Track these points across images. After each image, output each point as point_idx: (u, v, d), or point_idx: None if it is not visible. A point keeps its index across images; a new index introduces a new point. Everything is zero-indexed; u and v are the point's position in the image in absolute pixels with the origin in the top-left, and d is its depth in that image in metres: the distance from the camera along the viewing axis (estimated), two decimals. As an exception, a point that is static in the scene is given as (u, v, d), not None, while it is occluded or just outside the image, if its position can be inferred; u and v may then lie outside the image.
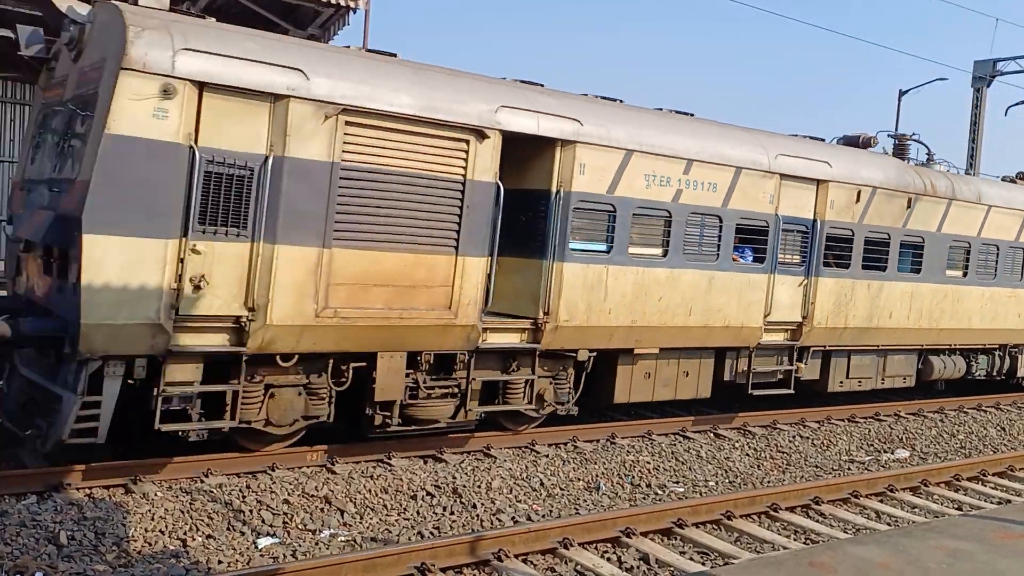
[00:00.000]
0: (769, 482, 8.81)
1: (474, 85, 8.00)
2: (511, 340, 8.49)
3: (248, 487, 6.92)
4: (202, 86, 6.44)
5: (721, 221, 9.69)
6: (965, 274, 12.90)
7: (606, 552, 6.38)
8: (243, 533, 6.21)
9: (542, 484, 7.94)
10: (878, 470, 9.39)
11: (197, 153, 6.41)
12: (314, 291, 6.96)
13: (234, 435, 7.36)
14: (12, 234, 7.96)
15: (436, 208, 7.58)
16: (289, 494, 6.88)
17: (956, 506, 8.28)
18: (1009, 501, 8.36)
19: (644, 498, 7.98)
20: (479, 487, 7.59)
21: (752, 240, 10.16)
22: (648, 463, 8.88)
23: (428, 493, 7.32)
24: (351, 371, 7.58)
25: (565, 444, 9.42)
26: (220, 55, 6.52)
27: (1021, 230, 13.71)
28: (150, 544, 5.86)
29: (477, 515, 7.06)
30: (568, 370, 9.07)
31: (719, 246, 9.71)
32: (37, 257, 7.02)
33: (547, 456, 8.76)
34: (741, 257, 10.16)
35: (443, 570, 5.63)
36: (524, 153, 8.43)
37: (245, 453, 7.56)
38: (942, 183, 12.36)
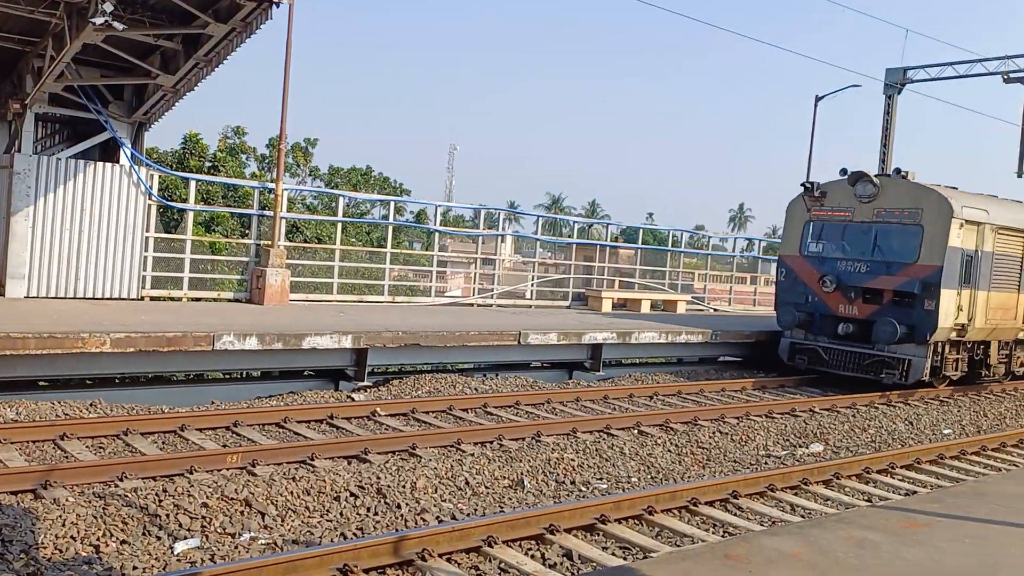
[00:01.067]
0: (690, 477, 9.00)
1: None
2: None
3: (165, 491, 6.74)
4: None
5: None
6: None
7: (530, 549, 6.43)
8: (159, 538, 6.05)
9: (467, 483, 7.96)
10: (793, 464, 9.67)
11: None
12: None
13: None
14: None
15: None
16: (208, 497, 6.73)
17: (866, 498, 8.58)
18: (915, 492, 8.71)
19: (568, 495, 8.06)
20: (404, 487, 7.56)
21: None
22: (573, 460, 8.97)
23: (352, 494, 7.26)
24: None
25: (491, 443, 9.47)
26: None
27: None
28: (61, 551, 5.66)
29: (401, 515, 7.03)
30: None
31: None
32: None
33: (473, 455, 8.77)
34: None
35: (366, 571, 5.59)
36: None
37: (160, 456, 7.37)
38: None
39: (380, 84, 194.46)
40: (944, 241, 14.53)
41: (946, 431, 12.71)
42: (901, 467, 9.88)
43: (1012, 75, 30.92)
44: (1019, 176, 33.00)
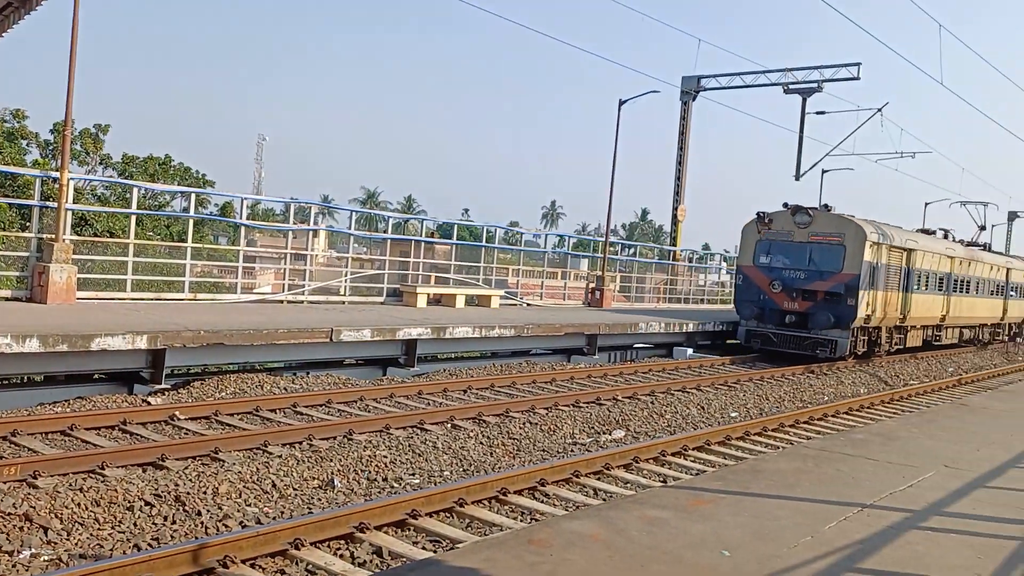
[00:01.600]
0: (500, 468, 9.21)
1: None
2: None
3: (-73, 511, 6.08)
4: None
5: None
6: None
7: (339, 549, 6.34)
8: (-82, 564, 5.45)
9: (274, 485, 7.73)
10: (597, 451, 10.13)
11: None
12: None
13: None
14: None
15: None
16: (-21, 515, 6.13)
17: (661, 479, 9.13)
18: (704, 472, 9.38)
19: (380, 492, 8.02)
20: (205, 493, 7.23)
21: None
22: (385, 457, 8.93)
23: (147, 503, 6.85)
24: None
25: (300, 443, 9.25)
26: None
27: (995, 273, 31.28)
28: None
29: (202, 522, 6.72)
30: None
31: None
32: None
33: (280, 457, 8.53)
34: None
35: (162, 583, 5.30)
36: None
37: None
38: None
39: (183, 69, 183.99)
40: (860, 257, 20.62)
41: (733, 414, 13.77)
42: (693, 449, 10.59)
43: (791, 86, 33.91)
44: (797, 179, 36.19)
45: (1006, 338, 34.24)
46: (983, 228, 35.79)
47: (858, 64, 31.56)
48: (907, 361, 24.01)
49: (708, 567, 4.79)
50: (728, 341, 24.09)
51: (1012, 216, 77.22)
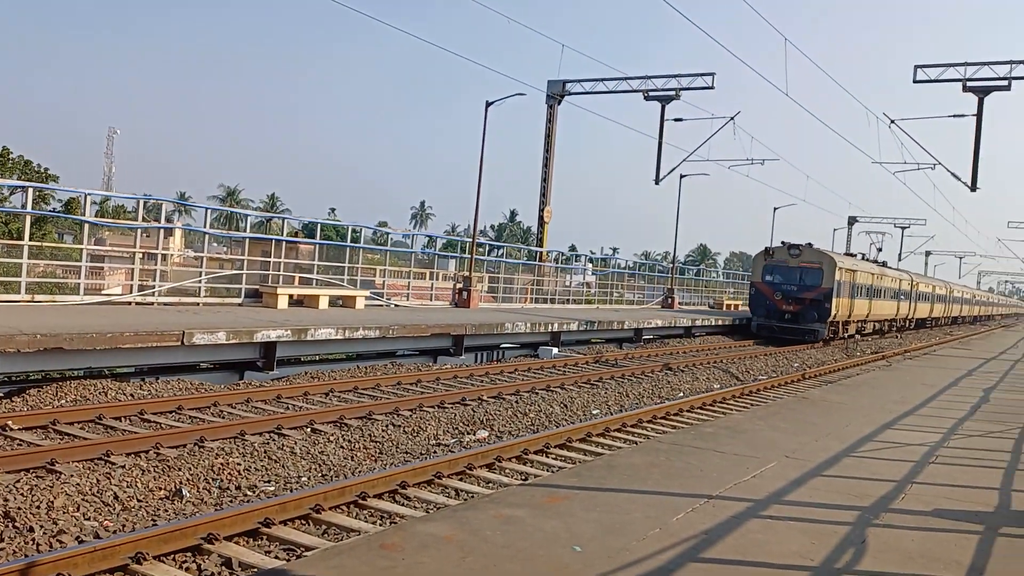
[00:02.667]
0: (360, 472, 9.05)
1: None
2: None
3: None
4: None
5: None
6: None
7: (185, 562, 6.06)
8: None
9: (116, 497, 7.30)
10: (460, 451, 10.12)
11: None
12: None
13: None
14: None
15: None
16: None
17: (523, 477, 9.20)
18: (564, 468, 9.53)
19: (232, 501, 7.72)
20: (38, 508, 6.75)
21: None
22: (239, 464, 8.62)
23: (-31, 522, 6.33)
24: None
25: (147, 452, 8.80)
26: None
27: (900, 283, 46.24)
28: None
29: (34, 539, 6.26)
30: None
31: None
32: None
33: (124, 467, 8.07)
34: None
35: (-18, 608, 4.91)
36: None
37: None
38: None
39: (25, 58, 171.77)
40: (833, 277, 32.58)
41: (594, 411, 14.10)
42: (555, 446, 10.75)
43: (651, 93, 35.11)
44: (657, 183, 37.48)
45: (896, 328, 47.58)
46: (880, 250, 50.49)
47: (712, 74, 33.05)
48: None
49: (560, 563, 4.86)
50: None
51: (852, 220, 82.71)
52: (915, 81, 32.27)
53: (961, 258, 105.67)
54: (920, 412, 12.75)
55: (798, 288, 32.81)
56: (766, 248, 34.49)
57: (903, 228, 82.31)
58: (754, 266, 35.24)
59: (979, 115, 31.90)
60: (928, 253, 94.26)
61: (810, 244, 33.64)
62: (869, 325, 40.32)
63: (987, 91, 31.49)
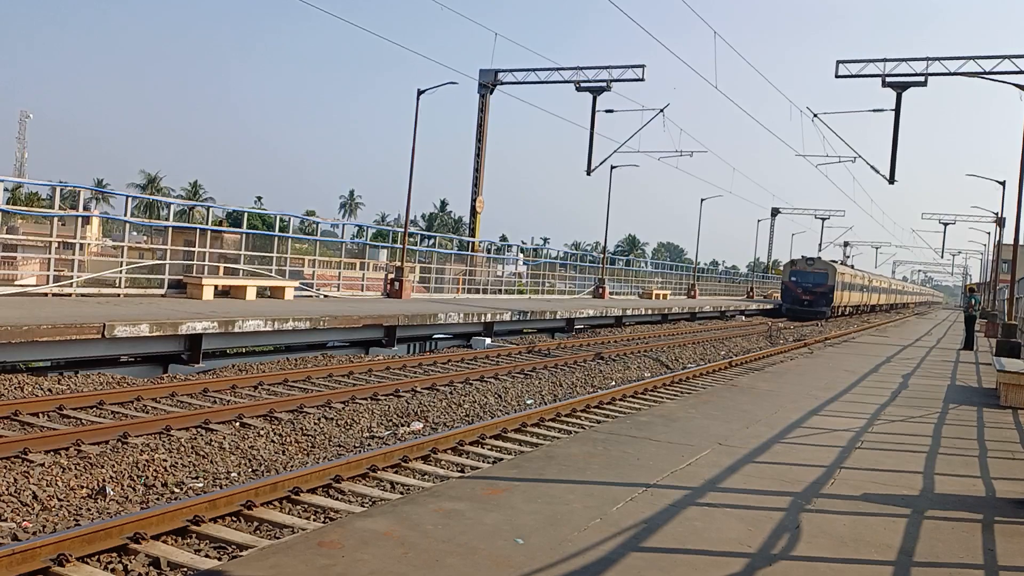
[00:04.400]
0: (292, 467, 8.85)
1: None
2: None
3: None
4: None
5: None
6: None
7: (110, 563, 5.81)
8: None
9: (35, 497, 6.98)
10: (395, 443, 10.00)
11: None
12: None
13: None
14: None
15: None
16: None
17: (459, 469, 9.13)
18: (501, 460, 9.50)
19: (159, 499, 7.46)
20: (-52, 511, 6.39)
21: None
22: (165, 461, 8.33)
23: None
24: None
25: (67, 449, 8.42)
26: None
27: (871, 282, 71.09)
28: None
29: (-56, 545, 5.92)
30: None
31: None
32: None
33: (43, 465, 7.72)
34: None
35: None
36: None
37: None
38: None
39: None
40: (835, 278, 53.22)
41: (528, 401, 14.11)
42: (490, 437, 10.70)
43: (583, 84, 35.28)
44: (588, 174, 37.75)
45: (869, 311, 69.63)
46: (847, 255, 72.79)
47: (643, 66, 33.37)
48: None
49: (502, 556, 4.82)
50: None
51: (775, 212, 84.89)
52: (837, 76, 33.24)
53: (878, 248, 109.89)
54: (844, 398, 13.14)
55: (812, 285, 52.37)
56: (792, 259, 56.45)
57: (823, 219, 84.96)
58: (784, 271, 56.88)
59: (897, 110, 33.07)
60: (847, 243, 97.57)
61: (819, 257, 56.12)
62: (850, 308, 61.50)
63: (905, 87, 32.64)
